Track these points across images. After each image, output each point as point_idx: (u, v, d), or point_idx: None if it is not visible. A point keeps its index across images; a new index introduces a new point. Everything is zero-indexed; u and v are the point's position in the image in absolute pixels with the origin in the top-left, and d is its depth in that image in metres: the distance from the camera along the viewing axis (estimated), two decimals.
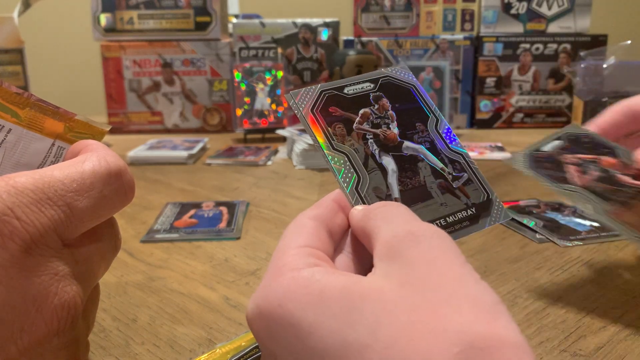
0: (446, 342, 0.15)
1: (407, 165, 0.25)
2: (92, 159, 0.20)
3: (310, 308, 0.17)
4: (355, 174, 0.24)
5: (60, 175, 0.19)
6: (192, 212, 0.50)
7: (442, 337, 0.15)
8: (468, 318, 0.15)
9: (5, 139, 0.21)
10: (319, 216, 0.21)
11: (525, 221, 0.45)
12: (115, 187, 0.20)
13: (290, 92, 0.25)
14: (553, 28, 0.98)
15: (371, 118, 0.25)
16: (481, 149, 0.78)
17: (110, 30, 0.96)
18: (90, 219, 0.19)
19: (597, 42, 0.96)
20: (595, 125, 0.36)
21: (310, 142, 0.69)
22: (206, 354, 0.27)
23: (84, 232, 0.20)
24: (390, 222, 0.20)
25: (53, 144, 0.22)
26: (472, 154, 0.75)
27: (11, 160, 0.21)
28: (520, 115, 0.99)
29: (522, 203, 0.51)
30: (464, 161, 0.26)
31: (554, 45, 0.98)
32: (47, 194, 0.18)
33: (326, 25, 0.97)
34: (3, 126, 0.21)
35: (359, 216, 0.22)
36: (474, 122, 1.00)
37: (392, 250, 0.18)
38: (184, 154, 0.73)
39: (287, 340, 0.17)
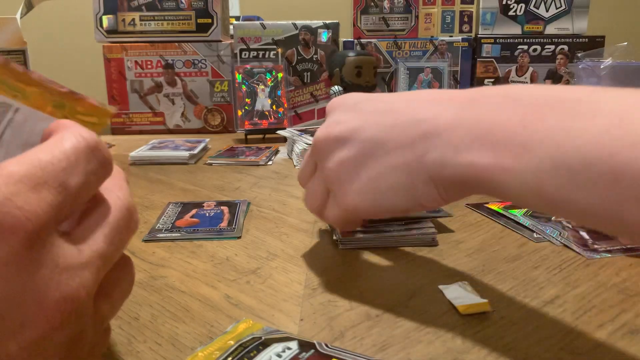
0: None
1: None
2: (68, 136, 0.20)
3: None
4: None
5: (47, 156, 0.18)
6: (193, 211, 0.50)
7: None
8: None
9: (13, 117, 0.21)
10: None
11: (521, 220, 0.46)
12: (97, 160, 0.20)
13: None
14: (551, 29, 0.99)
15: None
16: None
17: (112, 31, 0.97)
18: (82, 195, 0.19)
19: (594, 44, 0.97)
20: None
21: (310, 142, 0.69)
22: (188, 358, 0.26)
23: (80, 215, 0.19)
24: None
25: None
26: None
27: (20, 139, 0.21)
28: None
29: None
30: None
31: (552, 47, 0.98)
32: (43, 177, 0.18)
33: (326, 26, 0.98)
34: (11, 105, 0.21)
35: None
36: None
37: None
38: (185, 154, 0.74)
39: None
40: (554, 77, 0.99)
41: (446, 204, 0.30)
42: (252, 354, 0.25)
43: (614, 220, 0.21)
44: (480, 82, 0.99)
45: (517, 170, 0.24)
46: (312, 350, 0.25)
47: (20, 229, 0.16)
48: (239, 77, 0.88)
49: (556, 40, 0.97)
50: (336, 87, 0.89)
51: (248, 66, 0.90)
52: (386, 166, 0.30)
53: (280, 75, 0.90)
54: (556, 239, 0.42)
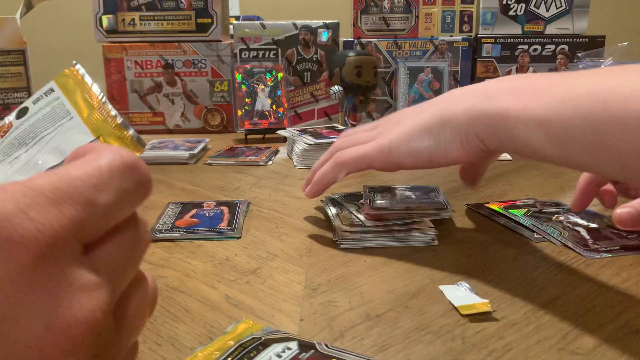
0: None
1: None
2: (106, 153, 0.19)
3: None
4: None
5: (78, 172, 0.18)
6: (193, 211, 0.50)
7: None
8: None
9: (64, 123, 0.22)
10: None
11: (521, 219, 0.45)
12: (134, 179, 0.19)
13: None
14: (551, 29, 0.99)
15: None
16: None
17: (112, 31, 0.97)
18: (112, 215, 0.18)
19: (594, 44, 0.97)
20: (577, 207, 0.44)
21: (310, 142, 0.69)
22: (188, 358, 0.26)
23: (104, 234, 0.19)
24: None
25: (94, 141, 0.23)
26: None
27: (55, 143, 0.22)
28: None
29: (519, 202, 0.51)
30: None
31: (552, 47, 0.98)
32: (67, 192, 0.17)
33: (326, 26, 0.98)
34: (69, 112, 0.22)
35: None
36: None
37: None
38: (185, 154, 0.74)
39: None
40: None
41: (465, 159, 0.37)
42: (252, 354, 0.25)
43: (600, 147, 0.27)
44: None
45: (531, 107, 0.31)
46: (312, 351, 0.25)
47: (31, 243, 0.15)
48: (239, 77, 0.88)
49: (556, 40, 0.97)
50: (336, 87, 0.89)
51: (248, 66, 0.90)
52: (426, 115, 0.38)
53: (280, 75, 0.90)
54: (556, 239, 0.42)
